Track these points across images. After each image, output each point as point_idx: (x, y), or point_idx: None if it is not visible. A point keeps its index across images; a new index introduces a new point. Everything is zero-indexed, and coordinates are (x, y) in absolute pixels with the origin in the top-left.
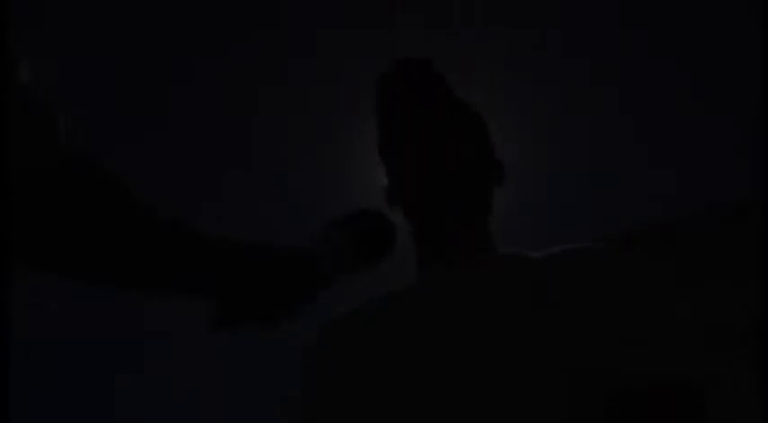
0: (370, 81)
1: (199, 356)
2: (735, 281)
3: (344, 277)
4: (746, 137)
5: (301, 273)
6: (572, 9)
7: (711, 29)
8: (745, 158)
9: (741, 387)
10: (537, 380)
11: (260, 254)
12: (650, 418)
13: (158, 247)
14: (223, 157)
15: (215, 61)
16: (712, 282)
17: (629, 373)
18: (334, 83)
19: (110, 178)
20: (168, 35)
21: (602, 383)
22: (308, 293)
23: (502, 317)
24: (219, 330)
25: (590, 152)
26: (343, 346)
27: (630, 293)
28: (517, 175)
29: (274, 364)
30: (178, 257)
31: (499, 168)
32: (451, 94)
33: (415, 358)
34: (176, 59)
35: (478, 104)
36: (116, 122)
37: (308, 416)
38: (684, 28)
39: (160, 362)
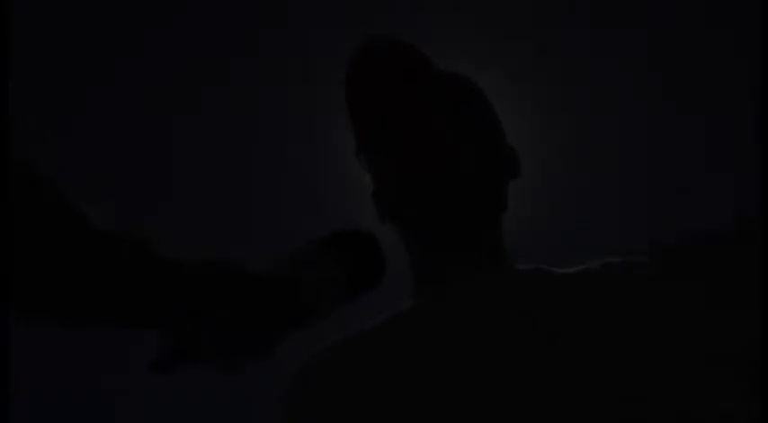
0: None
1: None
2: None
3: (332, 309)
4: None
5: (281, 301)
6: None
7: (712, 29)
8: None
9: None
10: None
11: (231, 276)
12: None
13: (118, 274)
14: (221, 157)
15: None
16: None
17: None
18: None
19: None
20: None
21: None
22: (287, 326)
23: (512, 359)
24: (170, 368)
25: (617, 153)
26: (329, 387)
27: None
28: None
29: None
30: (137, 284)
31: (510, 155)
32: (434, 72)
33: (410, 400)
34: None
35: (477, 81)
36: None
37: None
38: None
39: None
